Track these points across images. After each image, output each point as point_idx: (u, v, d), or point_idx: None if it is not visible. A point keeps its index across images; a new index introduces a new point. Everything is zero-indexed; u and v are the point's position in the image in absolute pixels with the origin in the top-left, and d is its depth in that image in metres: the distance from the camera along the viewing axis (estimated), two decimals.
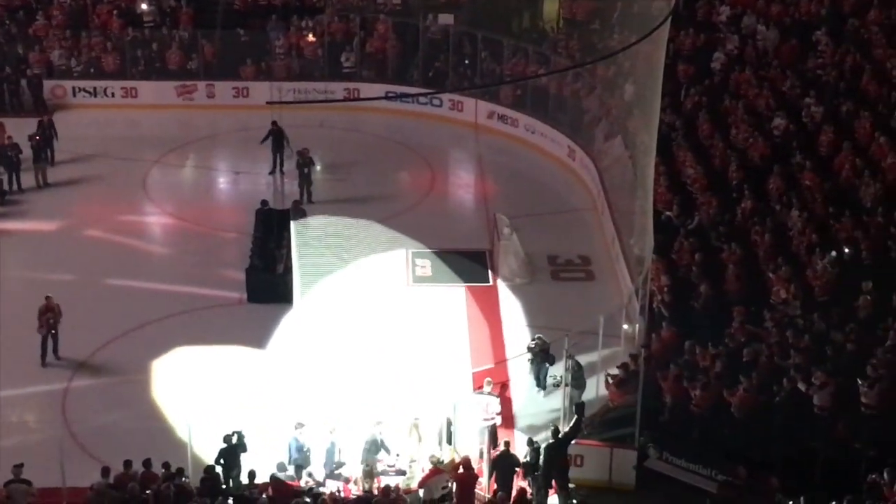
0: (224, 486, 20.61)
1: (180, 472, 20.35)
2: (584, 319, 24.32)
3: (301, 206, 29.76)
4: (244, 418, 21.76)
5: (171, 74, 37.80)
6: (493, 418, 22.23)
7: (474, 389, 23.54)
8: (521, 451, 21.47)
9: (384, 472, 21.36)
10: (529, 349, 24.42)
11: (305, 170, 31.75)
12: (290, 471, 21.05)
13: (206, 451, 21.44)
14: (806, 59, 31.52)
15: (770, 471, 20.81)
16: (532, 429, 22.97)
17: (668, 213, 27.75)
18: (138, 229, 31.15)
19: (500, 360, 24.61)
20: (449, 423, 21.87)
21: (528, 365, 24.41)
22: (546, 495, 21.07)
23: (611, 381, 23.71)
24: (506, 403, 23.51)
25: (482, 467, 21.54)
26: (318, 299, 25.05)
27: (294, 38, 38.19)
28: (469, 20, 38.46)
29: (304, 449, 21.31)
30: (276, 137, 32.68)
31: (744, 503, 20.84)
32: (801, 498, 19.44)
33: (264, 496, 19.87)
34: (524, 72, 35.98)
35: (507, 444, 21.52)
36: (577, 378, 23.22)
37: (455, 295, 27.83)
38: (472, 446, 21.95)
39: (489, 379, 23.28)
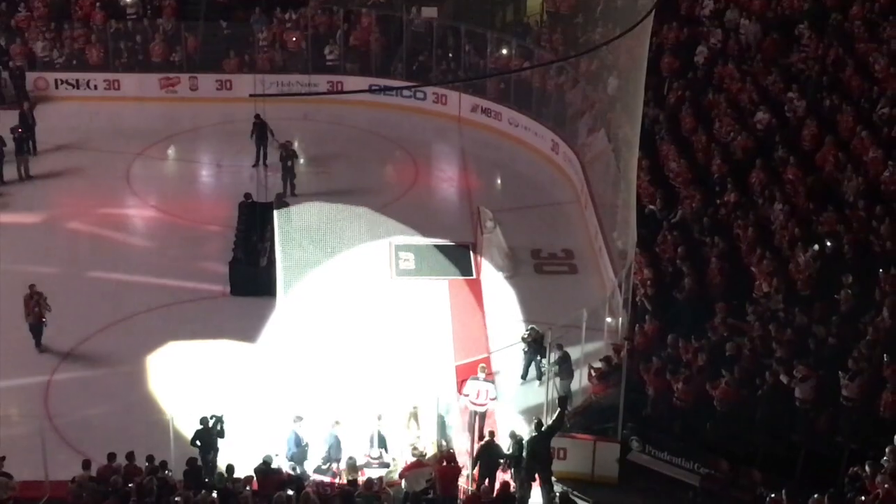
0: (203, 471, 20.68)
1: (163, 465, 20.32)
2: (567, 313, 24.32)
3: (284, 199, 29.76)
4: (230, 410, 21.81)
5: (154, 67, 37.63)
6: (486, 404, 22.33)
7: (457, 382, 23.58)
8: (504, 444, 21.55)
9: (367, 465, 21.38)
10: (523, 339, 24.40)
11: (289, 163, 31.64)
12: (276, 463, 20.88)
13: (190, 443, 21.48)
14: (789, 53, 31.51)
15: (752, 464, 21.02)
16: (516, 421, 22.99)
17: (651, 206, 27.79)
18: (121, 222, 31.08)
19: (484, 353, 24.62)
20: (440, 419, 21.99)
21: (521, 355, 24.40)
22: (529, 488, 21.07)
23: (594, 374, 23.77)
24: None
25: (468, 461, 21.62)
26: (302, 292, 25.06)
27: (277, 30, 38.08)
28: (452, 13, 38.48)
29: (304, 443, 21.35)
30: (260, 130, 32.57)
31: (726, 496, 21.14)
32: (783, 491, 19.48)
33: (248, 489, 19.89)
34: (508, 65, 35.91)
35: (491, 434, 21.57)
36: (565, 368, 23.26)
37: (439, 288, 27.79)
38: (459, 437, 22.13)
39: (483, 365, 23.40)
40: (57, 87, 37.36)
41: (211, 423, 21.27)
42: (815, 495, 19.09)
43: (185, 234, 30.32)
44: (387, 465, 21.44)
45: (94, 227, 30.41)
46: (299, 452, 21.35)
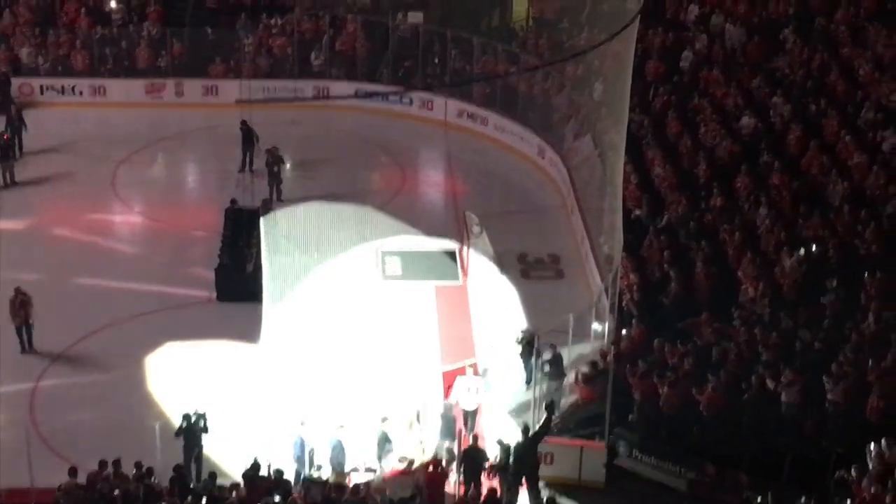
0: (187, 471, 20.71)
1: (150, 472, 20.25)
2: (554, 317, 24.37)
3: (271, 204, 29.75)
4: (218, 413, 21.91)
5: (140, 72, 37.55)
6: (476, 401, 22.51)
7: (444, 388, 23.58)
8: (489, 449, 21.61)
9: (355, 470, 21.36)
10: (518, 342, 24.39)
11: (275, 168, 31.56)
12: (270, 467, 20.84)
13: (178, 450, 21.48)
14: (774, 57, 31.62)
15: (739, 468, 21.14)
16: (504, 424, 23.03)
17: (637, 211, 27.87)
18: (107, 228, 31.01)
19: (472, 358, 24.55)
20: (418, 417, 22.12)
21: (518, 360, 24.39)
22: (516, 493, 21.09)
23: (580, 378, 23.76)
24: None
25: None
26: (288, 298, 25.01)
27: (263, 35, 38.02)
28: (438, 19, 38.44)
29: (309, 448, 21.38)
30: (246, 136, 32.54)
31: (713, 500, 21.25)
32: (770, 494, 19.64)
33: (234, 495, 19.80)
34: (494, 70, 35.94)
35: (475, 438, 21.60)
36: (556, 370, 23.33)
37: (425, 293, 27.76)
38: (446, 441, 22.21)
39: (471, 361, 23.50)
40: (42, 93, 37.20)
41: (193, 419, 21.34)
42: (802, 499, 19.36)
43: (171, 240, 30.24)
44: (373, 471, 21.45)
45: (79, 234, 30.32)
46: (304, 456, 21.40)
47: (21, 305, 25.33)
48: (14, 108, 34.24)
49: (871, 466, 19.25)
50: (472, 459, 21.19)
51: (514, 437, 21.51)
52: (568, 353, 23.87)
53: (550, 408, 21.83)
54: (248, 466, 20.63)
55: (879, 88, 28.21)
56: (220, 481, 20.43)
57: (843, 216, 24.99)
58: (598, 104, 31.12)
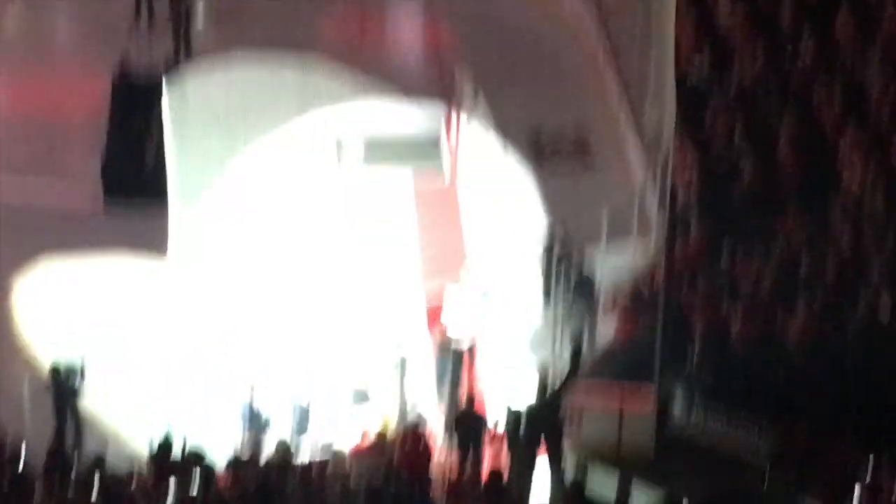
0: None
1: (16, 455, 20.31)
2: (579, 220, 25.09)
3: (177, 65, 29.78)
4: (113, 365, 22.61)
5: None
6: (473, 331, 23.01)
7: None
8: (492, 409, 22.35)
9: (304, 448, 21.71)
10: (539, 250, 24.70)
11: (182, 9, 31.40)
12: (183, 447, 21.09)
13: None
14: None
15: (843, 429, 20.95)
16: (510, 384, 23.41)
17: (695, 68, 27.57)
18: None
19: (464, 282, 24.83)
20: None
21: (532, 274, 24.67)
22: (531, 471, 21.33)
23: (619, 305, 24.01)
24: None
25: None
26: (206, 198, 25.27)
27: None
28: None
29: (263, 417, 22.02)
30: None
31: (807, 473, 20.97)
32: (887, 465, 19.56)
33: (134, 485, 19.98)
34: None
35: (470, 399, 21.94)
36: (585, 290, 23.60)
37: (400, 193, 28.25)
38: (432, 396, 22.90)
39: (465, 268, 24.26)
40: None
41: (64, 372, 21.87)
42: None
43: (38, 125, 30.07)
44: (331, 449, 21.62)
45: None
46: (256, 426, 22.06)
47: None
48: None
49: None
50: (469, 424, 21.50)
51: (525, 391, 21.79)
52: (600, 271, 24.05)
53: (578, 346, 22.33)
54: (156, 442, 20.76)
55: None
56: (113, 462, 20.72)
57: None
58: None
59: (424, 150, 29.05)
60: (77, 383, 21.92)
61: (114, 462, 20.79)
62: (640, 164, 27.18)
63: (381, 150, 28.88)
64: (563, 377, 21.65)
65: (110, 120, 29.13)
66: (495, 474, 20.29)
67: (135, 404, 22.82)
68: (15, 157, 28.65)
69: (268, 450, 21.66)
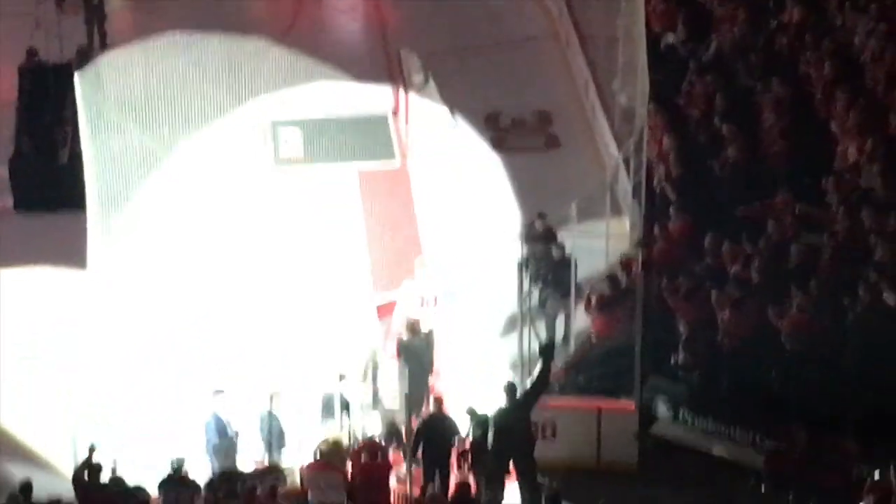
0: None
1: None
2: (545, 208, 24.46)
3: (91, 53, 29.02)
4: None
5: None
6: (435, 308, 23.31)
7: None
8: (458, 419, 21.72)
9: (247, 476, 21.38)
10: (526, 233, 24.31)
11: None
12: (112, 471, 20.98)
13: None
14: None
15: (843, 430, 20.85)
16: (477, 388, 22.88)
17: (670, 36, 27.55)
18: None
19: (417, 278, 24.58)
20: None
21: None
22: (501, 486, 20.75)
23: (594, 302, 23.82)
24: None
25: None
26: (127, 200, 24.31)
27: None
28: None
29: (230, 430, 21.96)
30: None
31: (806, 479, 20.74)
32: (893, 466, 19.02)
33: None
34: None
35: (438, 402, 21.71)
36: (560, 276, 23.27)
37: (344, 181, 27.88)
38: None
39: (421, 258, 24.31)
40: None
41: None
42: None
43: None
44: (279, 472, 21.38)
45: None
46: (225, 444, 21.86)
47: None
48: None
49: None
50: (434, 435, 21.15)
51: (491, 399, 21.36)
52: (572, 264, 23.58)
53: (549, 349, 21.78)
54: (79, 465, 20.65)
55: None
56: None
57: None
58: None
59: (371, 143, 28.74)
60: None
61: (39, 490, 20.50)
62: (612, 146, 26.96)
63: (322, 143, 28.65)
64: (532, 384, 21.10)
65: (18, 113, 29.03)
66: (462, 490, 20.03)
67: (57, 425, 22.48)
68: None
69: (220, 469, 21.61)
